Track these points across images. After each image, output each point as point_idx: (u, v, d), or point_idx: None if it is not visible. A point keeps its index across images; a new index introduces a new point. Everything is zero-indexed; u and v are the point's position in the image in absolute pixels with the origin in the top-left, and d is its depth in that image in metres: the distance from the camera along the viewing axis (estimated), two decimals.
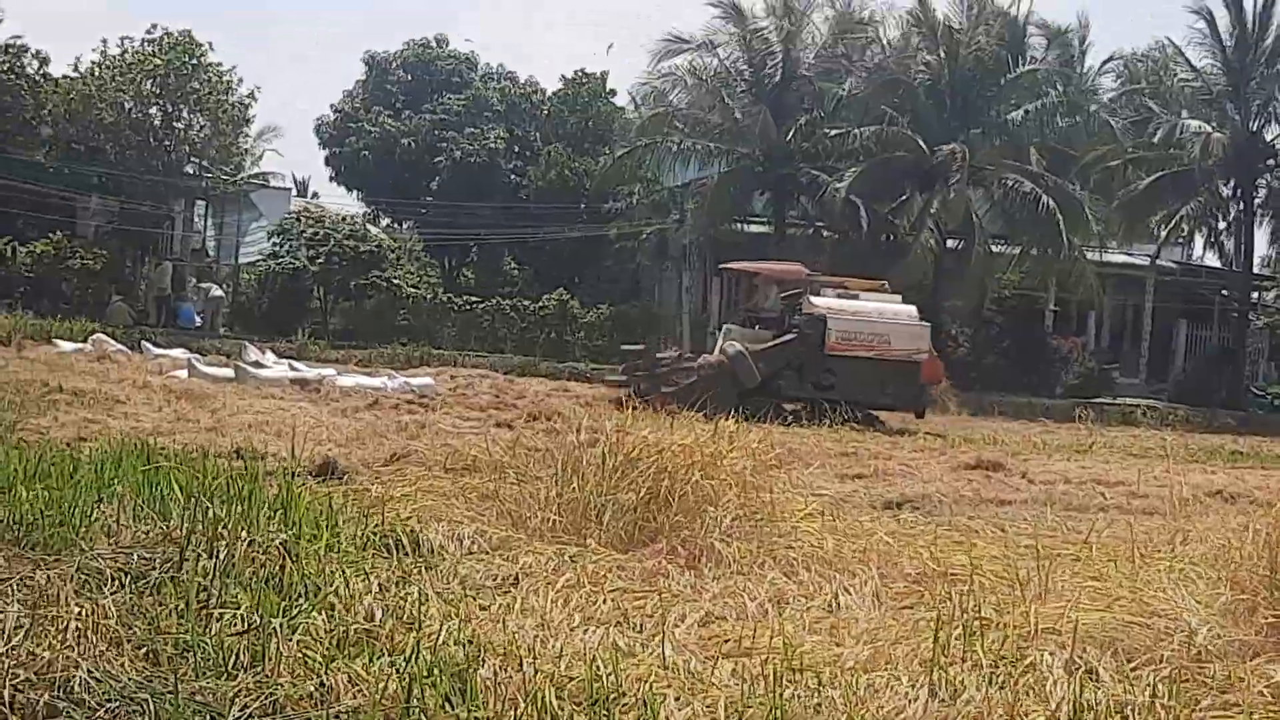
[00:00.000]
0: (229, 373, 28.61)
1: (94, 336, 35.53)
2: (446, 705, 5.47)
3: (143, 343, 36.08)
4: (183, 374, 27.80)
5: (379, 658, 5.96)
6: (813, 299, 31.40)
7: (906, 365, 31.08)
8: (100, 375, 25.80)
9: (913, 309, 32.94)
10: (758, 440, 11.40)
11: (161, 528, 7.64)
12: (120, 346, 34.43)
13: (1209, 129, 49.12)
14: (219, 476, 9.54)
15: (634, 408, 25.40)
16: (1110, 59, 57.38)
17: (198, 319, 48.47)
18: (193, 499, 8.28)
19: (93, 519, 7.91)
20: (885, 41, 51.55)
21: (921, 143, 46.68)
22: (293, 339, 44.29)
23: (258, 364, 31.37)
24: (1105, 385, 49.23)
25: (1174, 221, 51.79)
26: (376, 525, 9.04)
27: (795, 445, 21.12)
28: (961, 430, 30.75)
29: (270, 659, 5.77)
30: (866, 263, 49.16)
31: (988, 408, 40.91)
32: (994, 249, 48.26)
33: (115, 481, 9.46)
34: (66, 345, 34.13)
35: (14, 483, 8.84)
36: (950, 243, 47.87)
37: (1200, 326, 54.66)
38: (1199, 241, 58.17)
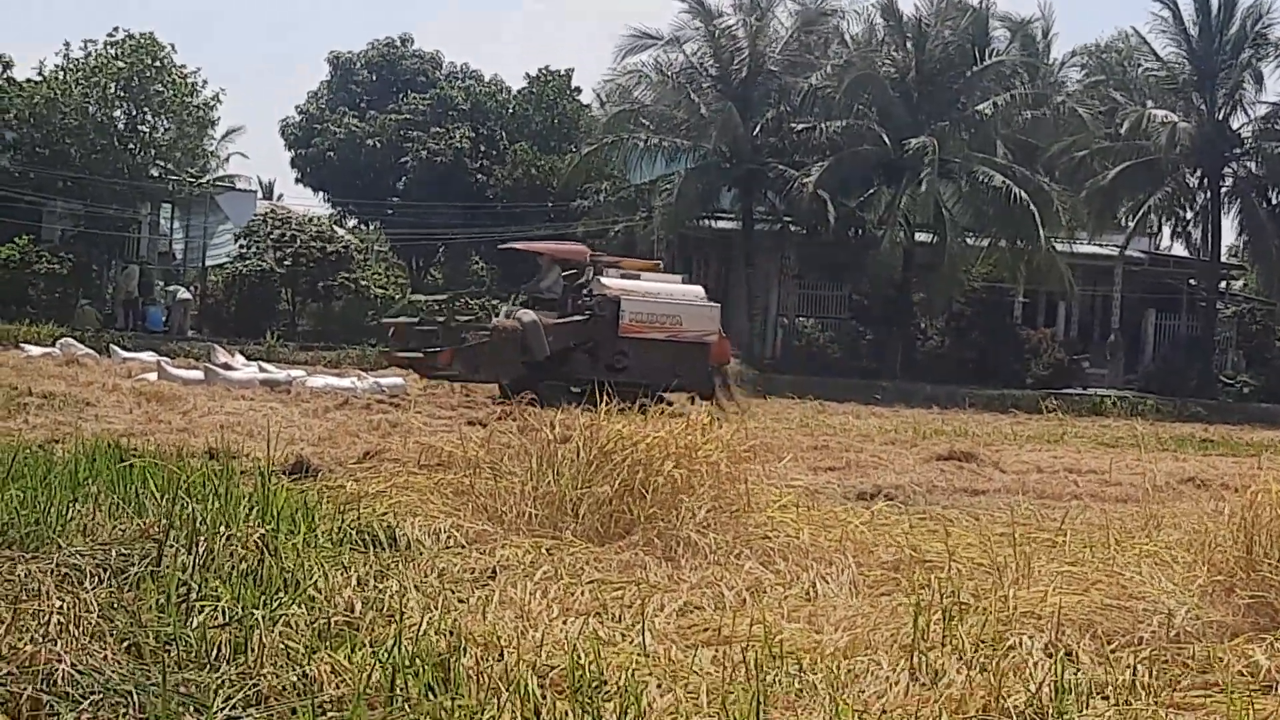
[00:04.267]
0: (198, 375, 28.56)
1: (61, 341, 35.40)
2: (429, 694, 5.46)
3: (111, 346, 35.98)
4: (152, 376, 27.72)
5: (361, 648, 5.95)
6: (603, 280, 31.05)
7: (697, 347, 30.70)
8: (69, 379, 25.75)
9: (700, 289, 32.79)
10: (730, 433, 11.40)
11: (139, 524, 7.62)
12: (88, 350, 34.31)
13: (1175, 118, 49.35)
14: (194, 474, 9.53)
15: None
16: (1075, 53, 57.68)
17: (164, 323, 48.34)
18: (169, 496, 8.26)
19: (69, 518, 7.88)
20: (850, 36, 51.67)
21: (888, 137, 46.81)
22: (261, 341, 44.18)
23: (227, 366, 31.29)
24: (1075, 376, 49.40)
25: (1141, 211, 52.13)
26: (353, 521, 9.03)
27: (767, 439, 21.13)
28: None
29: (253, 651, 5.75)
30: (835, 256, 49.48)
31: (958, 399, 41.07)
32: (966, 242, 48.42)
33: (90, 481, 9.43)
34: (34, 349, 34.03)
35: None
36: (920, 236, 48.00)
37: (1169, 316, 54.87)
38: (1166, 231, 58.50)
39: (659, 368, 29.99)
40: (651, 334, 30.10)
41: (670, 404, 29.84)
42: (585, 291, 30.63)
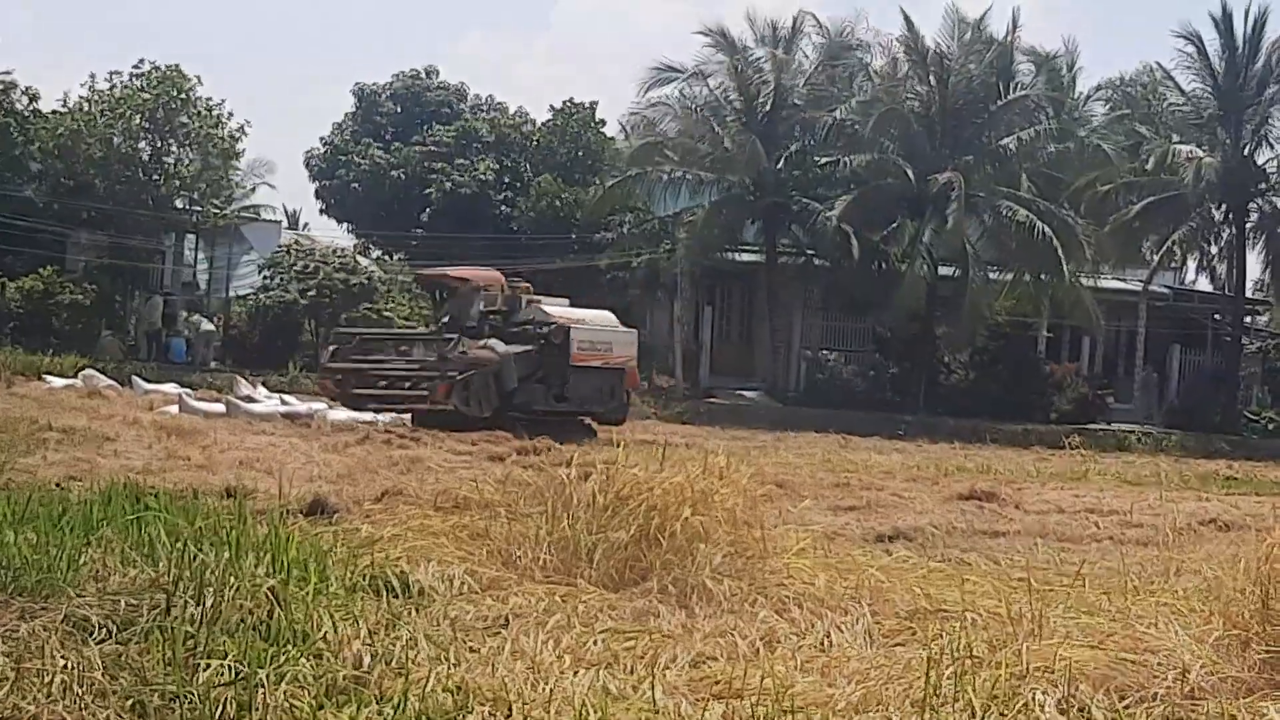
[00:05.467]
0: (220, 408, 28.57)
1: (84, 372, 35.42)
2: None
3: (133, 378, 35.98)
4: (173, 409, 27.75)
5: (367, 705, 5.92)
6: (546, 308, 30.95)
7: (622, 373, 30.86)
8: (90, 412, 25.75)
9: (611, 314, 32.74)
10: (748, 475, 11.34)
11: (149, 573, 7.60)
12: (110, 382, 34.33)
13: (1200, 153, 49.25)
14: (208, 518, 9.51)
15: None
16: (1100, 87, 57.60)
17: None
18: (180, 543, 8.24)
19: (81, 564, 7.87)
20: (873, 70, 51.69)
21: (912, 171, 46.79)
22: (284, 372, 44.21)
23: (249, 398, 31.30)
24: (1099, 411, 49.24)
25: (1166, 246, 51.94)
26: (366, 566, 9.01)
27: (789, 476, 21.08)
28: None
29: (257, 710, 5.73)
30: (858, 290, 49.44)
31: (982, 434, 40.95)
32: (989, 275, 48.35)
33: (104, 524, 9.42)
34: (56, 381, 34.07)
35: (1, 526, 8.80)
36: (944, 270, 47.94)
37: (1194, 351, 54.72)
38: (1191, 266, 58.31)
39: (594, 396, 30.07)
40: (593, 362, 30.18)
41: (595, 433, 29.71)
42: (530, 320, 30.38)
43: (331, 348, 32.49)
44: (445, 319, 31.20)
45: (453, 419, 27.76)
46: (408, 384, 29.87)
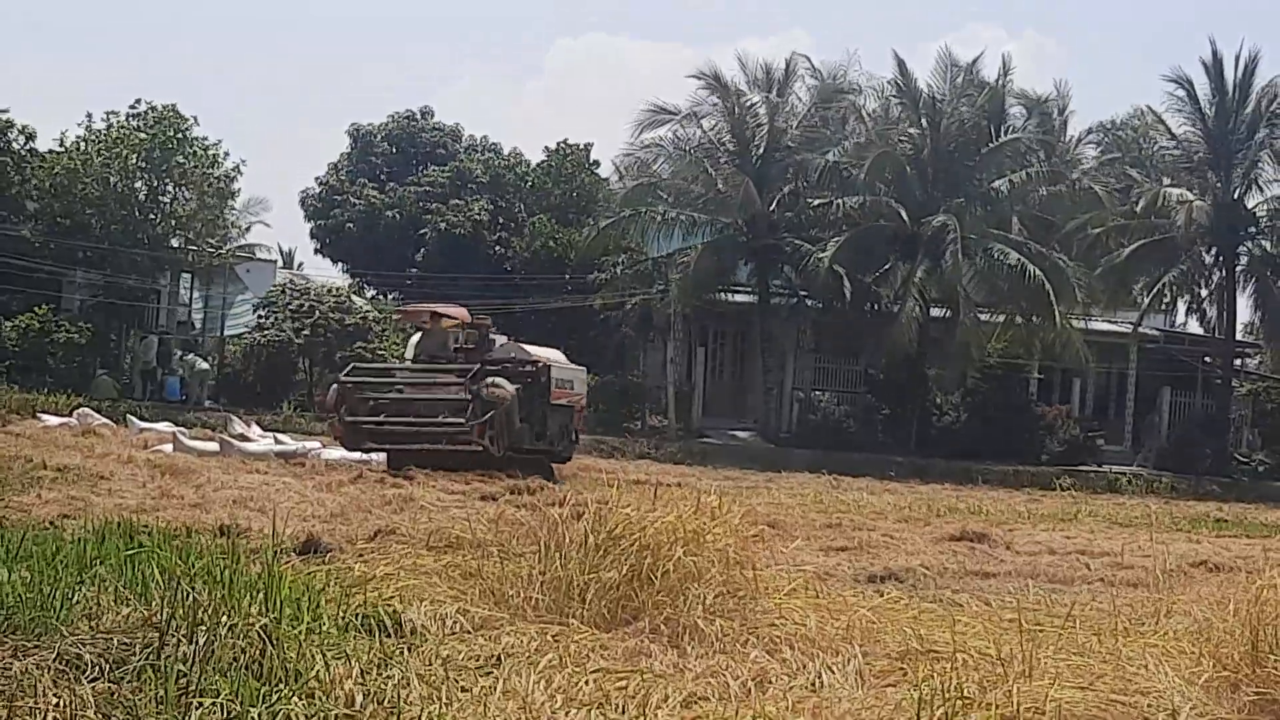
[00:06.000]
0: (214, 446, 28.59)
1: (79, 410, 35.45)
2: None
3: (128, 416, 35.97)
4: (168, 448, 27.75)
5: None
6: (525, 346, 30.86)
7: (572, 411, 30.65)
8: (85, 450, 25.72)
9: (560, 352, 32.45)
10: (740, 515, 11.37)
11: (143, 612, 7.62)
12: (105, 420, 34.35)
13: (1191, 197, 49.42)
14: (202, 557, 9.53)
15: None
16: (1091, 130, 57.84)
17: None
18: (174, 581, 8.26)
19: (74, 601, 7.88)
20: (866, 112, 51.87)
21: (904, 212, 46.97)
22: (278, 411, 44.24)
23: (243, 437, 31.35)
24: (1089, 453, 49.29)
25: (1156, 288, 52.03)
26: (359, 605, 9.03)
27: (781, 516, 21.11)
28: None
29: None
30: (850, 331, 49.57)
31: (973, 475, 40.99)
32: (980, 317, 48.46)
33: (97, 562, 9.44)
34: (51, 419, 34.06)
35: None
36: (935, 311, 48.06)
37: (1184, 393, 54.80)
38: (1181, 308, 58.36)
39: (559, 434, 29.92)
40: (561, 400, 29.98)
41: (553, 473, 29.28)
42: (510, 358, 30.14)
43: (337, 386, 29.98)
44: (421, 355, 30.60)
45: (435, 459, 27.36)
46: (436, 423, 28.73)
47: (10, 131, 49.10)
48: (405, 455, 27.73)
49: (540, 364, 29.77)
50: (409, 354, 30.33)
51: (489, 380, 28.72)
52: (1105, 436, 51.53)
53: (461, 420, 28.13)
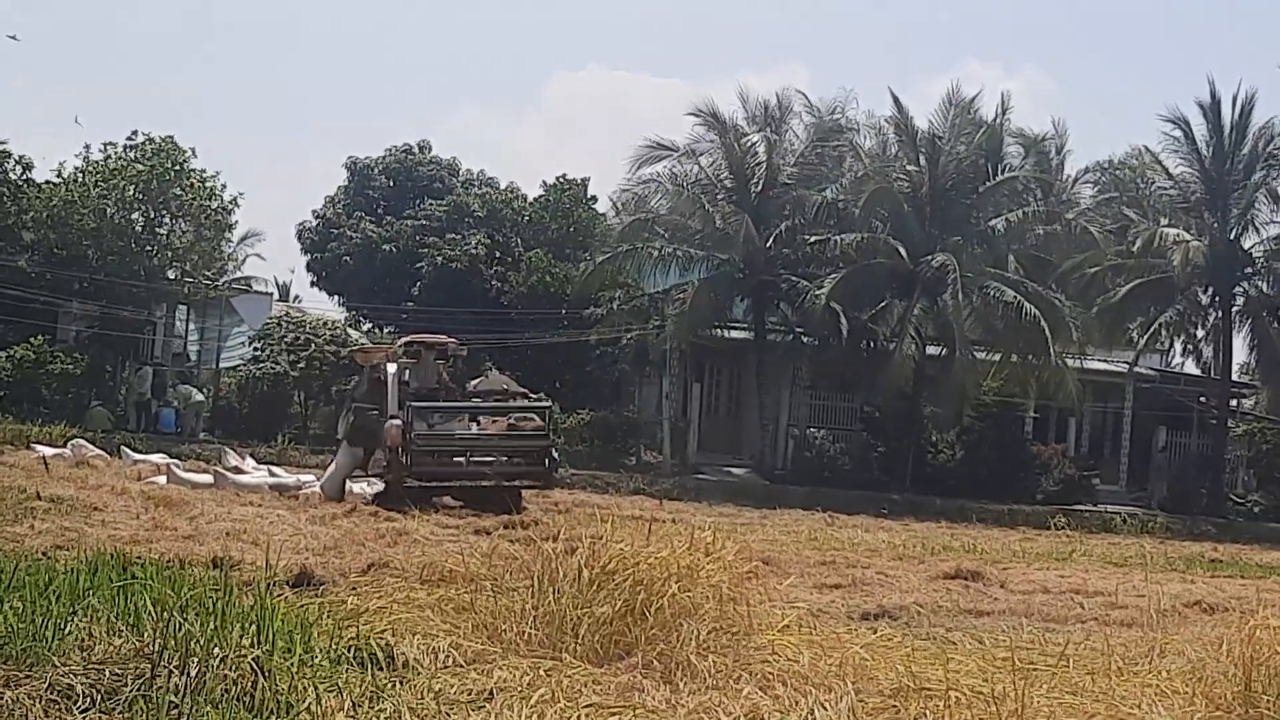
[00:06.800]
0: (208, 479, 28.56)
1: (73, 441, 35.38)
2: None
3: (122, 448, 35.90)
4: (162, 480, 27.74)
5: None
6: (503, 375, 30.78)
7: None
8: (79, 481, 25.72)
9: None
10: (734, 551, 11.37)
11: (135, 643, 7.60)
12: (99, 451, 34.30)
13: (1187, 237, 49.41)
14: (194, 588, 9.52)
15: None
16: (1088, 169, 57.92)
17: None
18: (166, 613, 8.24)
19: (66, 632, 7.87)
20: (863, 150, 51.93)
21: (902, 250, 47.00)
22: (273, 444, 44.19)
23: (237, 469, 31.31)
24: (1085, 492, 49.27)
25: (1153, 328, 52.07)
26: (351, 638, 9.02)
27: (775, 553, 21.10)
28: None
29: None
30: (846, 368, 49.59)
31: (968, 514, 40.99)
32: (976, 355, 48.47)
33: (90, 593, 9.42)
34: (45, 450, 34.00)
35: None
36: (931, 349, 48.08)
37: (1180, 433, 54.80)
38: (1178, 348, 58.36)
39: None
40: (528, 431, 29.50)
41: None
42: (503, 390, 30.07)
43: (400, 423, 27.95)
44: (418, 388, 30.16)
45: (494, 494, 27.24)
46: (493, 458, 28.54)
47: (7, 162, 49.05)
48: (475, 493, 27.62)
49: (537, 397, 29.78)
50: (390, 388, 29.33)
51: (524, 416, 28.79)
52: (1100, 476, 51.49)
53: (529, 455, 28.36)
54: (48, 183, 49.57)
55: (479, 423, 29.14)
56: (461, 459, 28.59)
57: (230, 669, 7.28)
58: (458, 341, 32.29)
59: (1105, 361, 54.11)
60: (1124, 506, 47.71)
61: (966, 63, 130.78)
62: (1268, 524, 47.13)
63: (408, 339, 32.65)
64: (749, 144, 50.66)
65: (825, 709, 8.21)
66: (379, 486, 28.64)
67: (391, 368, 29.51)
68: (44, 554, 13.22)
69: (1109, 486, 51.22)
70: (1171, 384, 56.15)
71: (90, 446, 34.71)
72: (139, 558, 12.38)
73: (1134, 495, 51.35)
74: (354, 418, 29.66)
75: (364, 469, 29.83)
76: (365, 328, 59.26)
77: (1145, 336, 52.74)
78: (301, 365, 48.78)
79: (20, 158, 49.52)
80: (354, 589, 12.26)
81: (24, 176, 49.59)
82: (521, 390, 30.90)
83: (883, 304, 48.54)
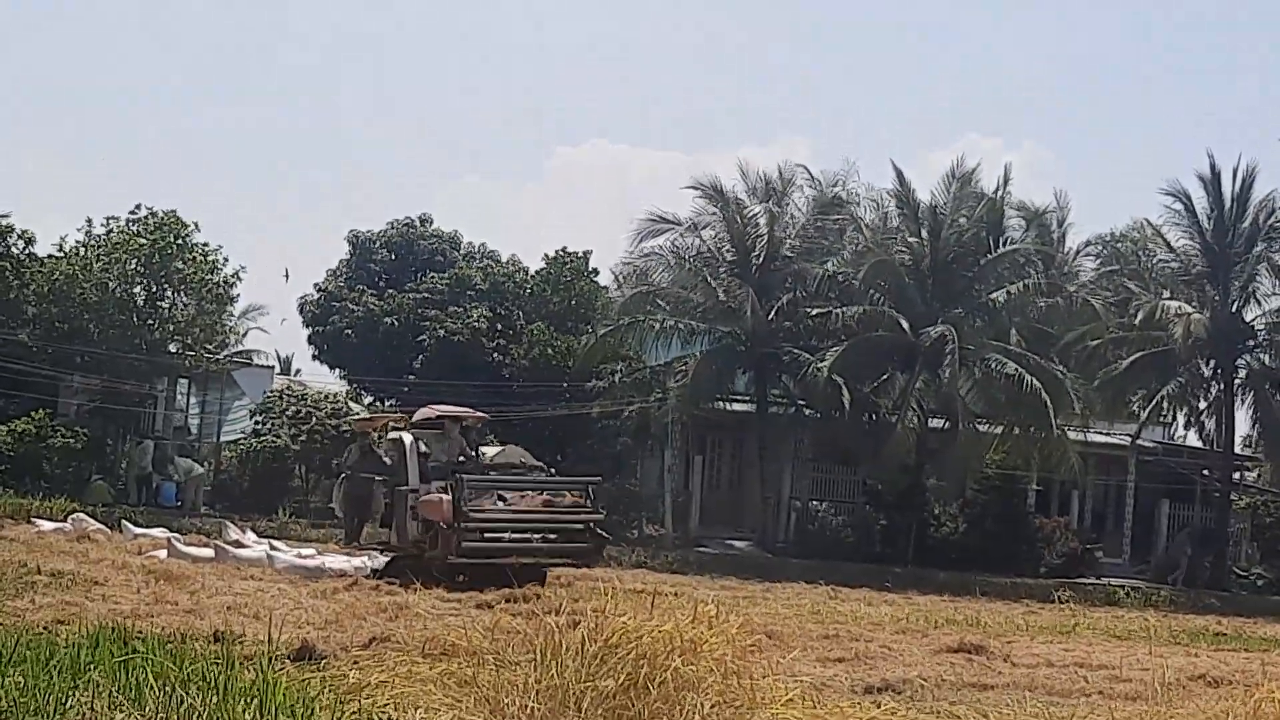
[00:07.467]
0: (209, 553, 28.53)
1: (73, 515, 35.41)
2: None
3: (123, 522, 35.90)
4: (162, 554, 27.77)
5: None
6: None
7: None
8: (79, 555, 25.72)
9: None
10: (737, 625, 11.34)
11: (136, 717, 7.58)
12: (100, 525, 34.30)
13: (1189, 309, 49.46)
14: (196, 663, 9.49)
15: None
16: (1089, 242, 58.05)
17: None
18: (168, 687, 8.22)
19: (68, 707, 7.85)
20: (864, 222, 52.03)
21: (904, 322, 47.05)
22: (274, 517, 44.16)
23: (238, 543, 31.29)
24: (1088, 565, 49.13)
25: (1155, 401, 52.02)
26: (353, 713, 8.99)
27: (777, 628, 21.03)
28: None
29: None
30: (849, 441, 49.57)
31: (971, 587, 40.86)
32: (978, 428, 48.45)
33: (91, 668, 9.40)
34: (46, 524, 34.00)
35: None
36: (933, 422, 48.07)
37: (1183, 506, 54.68)
38: (1180, 421, 58.30)
39: None
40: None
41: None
42: (519, 463, 29.98)
43: (450, 498, 27.60)
44: (431, 462, 29.89)
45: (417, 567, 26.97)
46: (540, 534, 28.26)
47: (10, 236, 49.23)
48: (529, 571, 26.83)
49: (551, 471, 29.84)
50: (409, 459, 29.13)
51: (558, 492, 28.79)
52: (1104, 549, 51.37)
53: (576, 534, 28.51)
54: (50, 257, 49.75)
55: (505, 499, 28.70)
56: (505, 536, 28.13)
57: None
58: (482, 414, 32.28)
59: (1108, 434, 54.09)
60: (1128, 580, 47.57)
61: (967, 136, 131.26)
62: (1271, 597, 46.95)
63: (436, 412, 31.95)
64: (750, 216, 50.88)
65: None
66: (380, 560, 28.60)
67: (408, 438, 29.43)
68: (45, 628, 13.19)
69: (1112, 559, 51.10)
70: (1174, 457, 56.08)
71: (91, 520, 34.76)
72: (140, 632, 12.35)
73: (1137, 568, 51.20)
74: (346, 486, 29.69)
75: (356, 539, 29.83)
76: (367, 401, 59.24)
77: (1147, 409, 52.68)
78: (302, 438, 48.85)
79: (23, 232, 49.75)
80: (356, 663, 12.21)
81: (26, 250, 49.76)
82: (539, 464, 30.82)
83: (885, 376, 48.60)
